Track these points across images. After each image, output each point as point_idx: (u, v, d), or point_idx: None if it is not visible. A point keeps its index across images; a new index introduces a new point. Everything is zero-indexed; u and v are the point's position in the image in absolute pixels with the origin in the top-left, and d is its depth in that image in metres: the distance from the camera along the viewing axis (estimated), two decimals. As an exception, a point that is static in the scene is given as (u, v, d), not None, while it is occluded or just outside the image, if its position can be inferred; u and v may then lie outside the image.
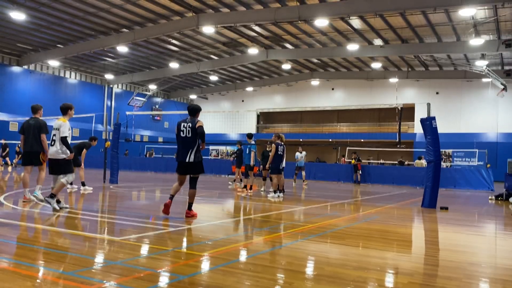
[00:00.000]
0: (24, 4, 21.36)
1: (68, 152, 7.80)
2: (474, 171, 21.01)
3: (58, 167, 7.80)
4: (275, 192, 12.21)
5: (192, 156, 7.11)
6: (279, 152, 12.37)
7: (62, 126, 7.77)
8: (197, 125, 7.10)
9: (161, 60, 32.67)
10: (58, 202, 7.76)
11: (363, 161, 27.12)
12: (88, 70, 36.08)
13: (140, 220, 7.04)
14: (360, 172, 22.69)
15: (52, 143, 7.83)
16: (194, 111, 7.35)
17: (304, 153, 19.75)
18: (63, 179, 7.71)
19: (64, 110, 8.01)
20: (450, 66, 32.04)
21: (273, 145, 12.39)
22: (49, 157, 7.86)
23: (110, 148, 15.55)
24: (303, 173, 19.75)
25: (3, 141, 24.58)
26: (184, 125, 7.19)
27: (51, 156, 7.82)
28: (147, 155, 35.20)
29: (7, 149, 24.61)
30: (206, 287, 3.51)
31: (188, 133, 7.13)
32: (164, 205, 7.21)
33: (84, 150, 12.08)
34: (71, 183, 11.99)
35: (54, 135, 7.84)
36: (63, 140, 7.73)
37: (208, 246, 5.12)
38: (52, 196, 7.52)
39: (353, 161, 23.19)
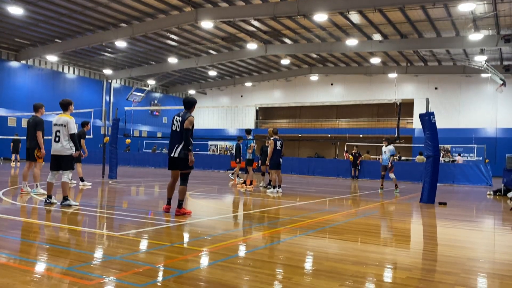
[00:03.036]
0: (21, -2, 21.28)
1: (74, 148, 7.79)
2: (472, 166, 21.04)
3: (61, 163, 7.72)
4: (274, 187, 12.24)
5: (178, 151, 6.88)
6: (277, 148, 12.38)
7: (70, 122, 7.71)
8: (185, 124, 6.81)
9: (160, 55, 32.60)
10: (50, 197, 7.75)
11: (371, 156, 27.17)
12: (86, 65, 35.98)
13: (139, 215, 7.05)
14: (359, 167, 22.76)
15: (57, 139, 7.68)
16: (190, 104, 7.12)
17: (390, 147, 14.19)
18: (64, 178, 7.66)
19: (65, 106, 7.94)
20: (449, 61, 32.02)
21: (271, 140, 12.40)
22: (52, 153, 7.74)
23: (109, 143, 15.54)
24: (392, 175, 14.33)
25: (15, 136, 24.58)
26: (177, 118, 7.00)
27: (56, 152, 7.70)
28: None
29: (11, 144, 24.59)
30: (205, 282, 3.52)
31: (178, 127, 6.92)
32: (163, 210, 7.17)
33: (82, 140, 11.95)
34: (82, 180, 12.07)
35: (58, 131, 7.69)
36: (72, 136, 7.70)
37: (207, 241, 5.13)
38: (65, 198, 7.58)
39: (350, 157, 23.11)
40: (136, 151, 34.78)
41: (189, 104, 7.14)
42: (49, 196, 7.76)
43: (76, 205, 7.60)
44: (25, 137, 10.04)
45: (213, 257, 4.38)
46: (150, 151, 34.85)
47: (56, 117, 7.90)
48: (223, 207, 9.22)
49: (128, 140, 15.92)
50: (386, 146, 14.20)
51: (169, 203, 7.22)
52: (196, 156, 7.84)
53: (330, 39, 27.44)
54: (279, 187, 12.32)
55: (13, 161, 24.08)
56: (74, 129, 7.76)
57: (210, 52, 31.82)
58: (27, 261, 3.96)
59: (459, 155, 27.54)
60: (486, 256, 5.03)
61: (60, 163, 7.73)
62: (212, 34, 27.14)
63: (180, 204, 6.99)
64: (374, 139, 34.09)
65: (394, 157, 15.72)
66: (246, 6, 21.88)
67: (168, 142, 7.18)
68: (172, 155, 6.96)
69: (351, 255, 4.70)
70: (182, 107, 7.31)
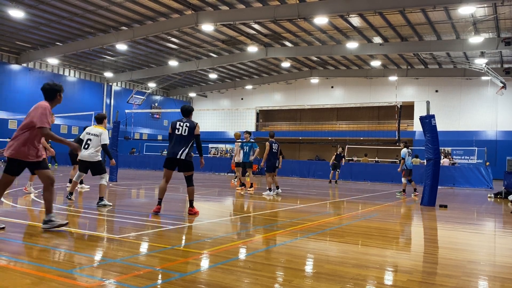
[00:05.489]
0: (22, 1, 21.32)
1: (108, 157, 8.68)
2: (473, 169, 21.03)
3: (91, 169, 8.45)
4: (270, 190, 12.33)
5: (184, 154, 7.24)
6: (273, 150, 12.51)
7: (103, 134, 8.48)
8: (197, 131, 7.35)
9: (160, 58, 32.64)
10: (71, 194, 8.68)
11: (370, 159, 26.90)
12: (87, 68, 36.03)
13: (139, 218, 7.04)
14: (339, 170, 20.06)
15: (86, 147, 8.40)
16: (188, 112, 7.61)
17: (403, 150, 13.63)
18: (102, 181, 8.33)
19: (100, 120, 8.79)
20: (450, 64, 32.04)
21: (267, 143, 12.53)
22: (80, 158, 8.44)
23: (109, 146, 15.53)
24: (403, 179, 14.01)
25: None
26: (180, 124, 7.39)
27: (84, 158, 8.39)
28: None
29: None
30: (205, 285, 3.51)
31: (185, 132, 7.31)
32: (153, 211, 7.30)
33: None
34: (81, 182, 11.91)
35: (90, 139, 8.41)
36: (104, 147, 8.43)
37: (207, 244, 5.12)
38: (101, 199, 8.21)
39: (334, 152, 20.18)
40: (136, 154, 34.81)
41: (188, 112, 7.64)
42: (71, 193, 8.65)
43: (110, 205, 8.18)
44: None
45: (213, 259, 4.37)
46: (151, 153, 34.85)
47: (90, 127, 8.75)
48: (224, 210, 9.22)
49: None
50: (408, 148, 13.72)
51: (159, 204, 7.37)
52: (197, 159, 8.01)
53: (330, 42, 27.48)
54: (277, 188, 12.48)
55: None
56: (107, 140, 8.51)
57: (211, 55, 31.87)
58: (26, 263, 3.96)
59: (446, 157, 27.21)
60: (487, 259, 5.02)
61: (89, 168, 8.47)
62: (213, 37, 27.19)
63: (192, 203, 7.45)
64: (375, 141, 34.14)
65: (394, 161, 15.44)
66: (246, 9, 21.92)
67: (168, 145, 7.57)
68: (178, 157, 7.24)
69: (351, 257, 4.69)
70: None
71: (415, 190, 13.92)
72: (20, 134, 5.39)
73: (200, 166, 7.55)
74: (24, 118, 5.57)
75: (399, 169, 13.92)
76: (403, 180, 13.96)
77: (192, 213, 7.34)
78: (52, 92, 5.83)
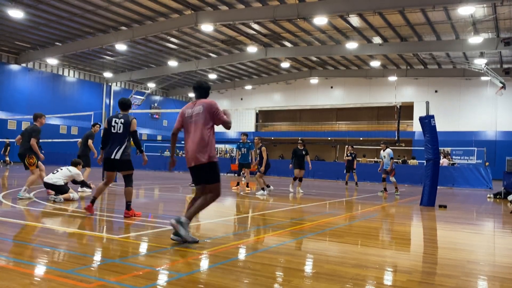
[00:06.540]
0: (22, 1, 21.32)
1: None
2: (472, 169, 21.03)
3: (57, 191, 8.94)
4: (263, 189, 12.61)
5: (120, 153, 6.78)
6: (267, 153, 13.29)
7: (76, 175, 9.58)
8: (131, 128, 6.88)
9: (160, 58, 32.64)
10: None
11: (369, 159, 26.79)
12: (86, 68, 36.03)
13: (138, 218, 7.03)
14: (355, 170, 18.94)
15: (55, 172, 9.14)
16: (127, 106, 7.10)
17: (388, 150, 13.81)
18: (70, 195, 8.99)
19: (75, 164, 9.88)
20: (449, 64, 32.06)
21: (263, 148, 13.15)
22: (46, 181, 8.92)
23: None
24: (392, 179, 14.20)
25: (6, 140, 25.07)
26: (115, 120, 6.87)
27: (48, 180, 8.91)
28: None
29: (8, 148, 24.98)
30: (205, 285, 3.51)
31: (120, 129, 6.82)
32: (85, 209, 7.01)
33: (90, 140, 11.60)
34: (82, 186, 11.37)
35: (61, 169, 9.36)
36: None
37: (207, 244, 5.12)
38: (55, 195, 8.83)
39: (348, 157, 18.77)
40: (135, 153, 34.76)
41: (126, 105, 7.12)
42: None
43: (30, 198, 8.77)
44: (13, 140, 10.20)
45: (213, 260, 4.37)
46: (151, 154, 34.80)
47: (73, 168, 9.55)
48: (223, 210, 9.21)
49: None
50: (384, 150, 13.88)
51: (92, 202, 6.95)
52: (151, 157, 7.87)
53: (330, 42, 27.49)
54: (268, 186, 13.00)
55: (7, 164, 24.64)
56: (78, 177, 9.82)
57: (210, 55, 31.88)
58: (26, 263, 3.95)
59: (445, 157, 27.12)
60: (486, 259, 5.02)
61: (54, 190, 9.02)
62: (212, 37, 27.19)
63: (129, 206, 6.87)
64: (374, 142, 34.13)
65: (396, 161, 15.53)
66: (246, 9, 21.93)
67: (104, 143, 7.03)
68: (112, 157, 6.80)
69: (351, 258, 4.69)
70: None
71: (385, 189, 14.28)
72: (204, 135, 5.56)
73: (143, 163, 7.30)
74: (196, 120, 5.56)
75: (389, 168, 13.93)
76: (392, 179, 14.11)
77: (129, 215, 6.76)
78: (208, 90, 5.95)
